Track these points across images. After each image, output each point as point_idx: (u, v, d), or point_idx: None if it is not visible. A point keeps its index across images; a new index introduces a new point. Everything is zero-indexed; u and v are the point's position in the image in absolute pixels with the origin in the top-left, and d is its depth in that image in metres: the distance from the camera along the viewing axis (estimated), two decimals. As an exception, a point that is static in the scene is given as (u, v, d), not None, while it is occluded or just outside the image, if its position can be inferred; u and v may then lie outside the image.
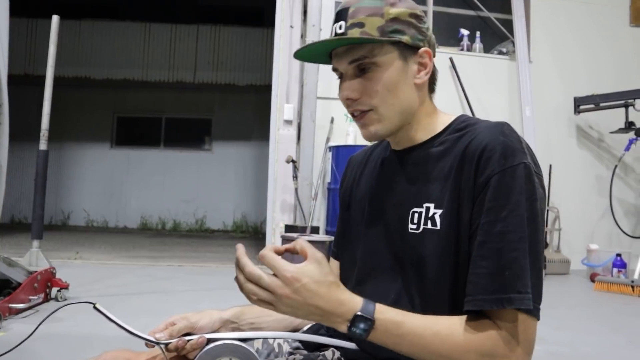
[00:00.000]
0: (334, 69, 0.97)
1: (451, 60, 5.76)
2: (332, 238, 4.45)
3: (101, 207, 10.76)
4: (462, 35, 5.95)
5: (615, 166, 5.54)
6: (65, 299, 3.13)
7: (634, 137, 5.35)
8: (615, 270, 4.66)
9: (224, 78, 10.59)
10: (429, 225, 0.89)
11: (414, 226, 0.91)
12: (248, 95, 10.64)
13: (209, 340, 0.90)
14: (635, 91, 5.39)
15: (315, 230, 4.86)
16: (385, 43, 0.91)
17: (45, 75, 3.74)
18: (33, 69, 9.93)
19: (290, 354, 1.05)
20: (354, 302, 0.82)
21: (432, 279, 0.88)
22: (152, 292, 3.78)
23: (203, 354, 0.89)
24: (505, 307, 0.80)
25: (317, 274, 0.81)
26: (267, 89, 6.96)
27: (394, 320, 0.82)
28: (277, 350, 1.08)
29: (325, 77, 5.27)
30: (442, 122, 0.98)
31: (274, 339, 1.09)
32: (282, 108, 5.48)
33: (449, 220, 0.87)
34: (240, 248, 0.86)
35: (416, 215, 0.91)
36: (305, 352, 1.05)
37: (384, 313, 0.82)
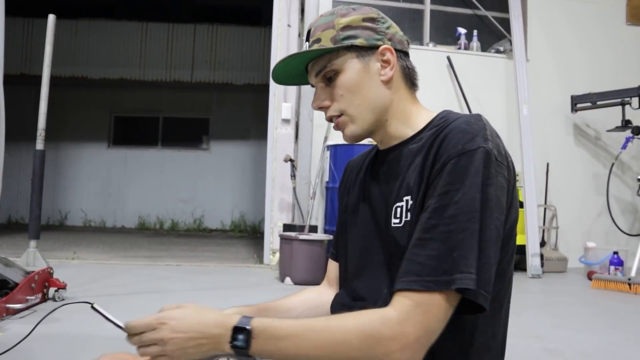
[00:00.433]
0: (312, 86, 1.04)
1: (448, 59, 5.76)
2: (330, 237, 4.45)
3: (99, 207, 10.74)
4: (460, 34, 5.95)
5: (612, 164, 5.55)
6: (63, 299, 3.12)
7: (631, 135, 5.36)
8: (612, 268, 4.67)
9: (221, 77, 10.57)
10: (408, 217, 0.91)
11: (397, 220, 0.93)
12: (246, 94, 10.64)
13: None
14: (632, 89, 5.41)
15: (313, 229, 4.86)
16: (341, 50, 0.97)
17: (42, 75, 3.73)
18: (29, 68, 9.91)
19: None
20: (232, 319, 0.84)
21: None
22: (150, 291, 3.78)
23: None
24: (450, 288, 0.79)
25: (179, 310, 0.86)
26: (264, 88, 6.96)
27: (271, 325, 0.83)
28: None
29: (322, 76, 5.26)
30: (424, 119, 1.00)
31: None
32: (279, 107, 5.48)
33: (418, 209, 0.89)
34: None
35: (399, 209, 0.93)
36: None
37: (260, 321, 0.83)
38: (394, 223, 0.94)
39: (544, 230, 5.77)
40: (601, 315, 3.51)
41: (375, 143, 1.09)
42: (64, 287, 3.16)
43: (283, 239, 4.42)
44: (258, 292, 3.90)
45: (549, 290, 4.51)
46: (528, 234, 5.15)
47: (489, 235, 0.83)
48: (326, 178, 5.20)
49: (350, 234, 1.11)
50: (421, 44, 5.97)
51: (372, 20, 1.00)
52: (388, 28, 1.01)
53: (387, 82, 0.99)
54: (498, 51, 6.05)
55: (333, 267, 1.22)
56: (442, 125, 0.92)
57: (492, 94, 5.91)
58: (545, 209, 5.87)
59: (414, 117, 1.01)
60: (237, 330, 0.82)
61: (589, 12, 6.26)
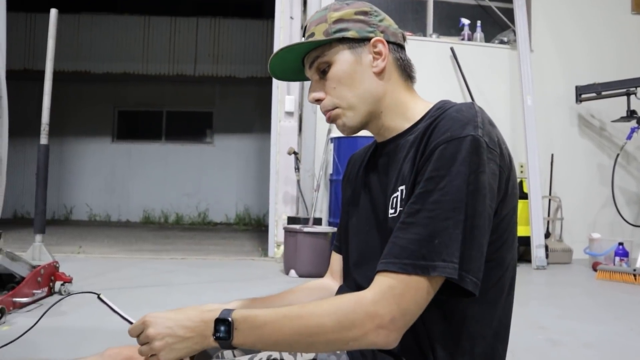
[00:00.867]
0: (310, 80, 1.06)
1: (452, 50, 5.74)
2: (335, 229, 4.45)
3: (103, 202, 10.78)
4: (463, 25, 5.92)
5: (617, 155, 5.53)
6: (69, 293, 3.14)
7: (636, 125, 5.34)
8: (617, 259, 4.66)
9: (224, 70, 10.56)
10: (402, 207, 0.91)
11: (393, 210, 0.94)
12: (249, 87, 10.62)
13: None
14: (637, 79, 5.37)
15: (317, 221, 4.87)
16: (333, 42, 0.99)
17: (45, 70, 3.73)
18: (33, 63, 9.91)
19: None
20: (214, 313, 0.86)
21: None
22: (155, 285, 3.79)
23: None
24: (429, 275, 0.80)
25: (163, 311, 0.90)
26: (267, 80, 6.95)
27: (250, 314, 0.85)
28: None
29: (325, 68, 5.25)
30: (420, 110, 1.01)
31: None
32: (283, 100, 5.47)
33: (407, 197, 0.90)
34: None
35: (395, 200, 0.94)
36: None
37: (241, 312, 0.85)
38: (391, 214, 0.95)
39: (548, 222, 5.76)
40: (606, 306, 3.50)
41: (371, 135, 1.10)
42: (70, 281, 3.18)
43: (287, 231, 4.43)
44: (263, 285, 3.91)
45: (553, 282, 4.51)
46: (533, 226, 5.14)
47: (481, 222, 0.83)
48: (330, 170, 5.20)
49: (351, 225, 1.13)
50: (424, 35, 5.95)
51: (365, 13, 1.01)
52: (381, 21, 1.02)
53: (380, 74, 1.00)
54: (502, 42, 6.02)
55: (336, 259, 1.23)
56: (437, 115, 0.92)
57: (495, 85, 5.89)
58: (549, 200, 5.85)
59: (410, 108, 1.02)
60: (219, 322, 0.84)
61: (593, 2, 6.21)
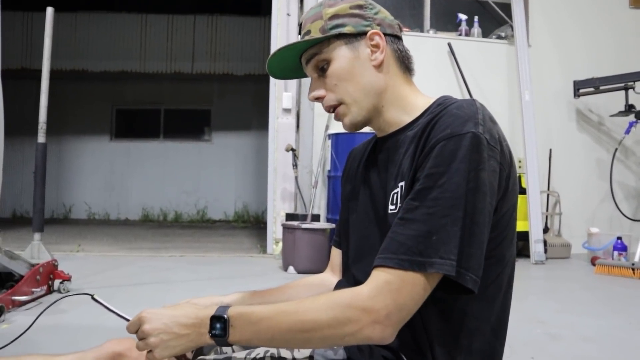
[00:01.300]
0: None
1: (449, 45, 5.73)
2: (333, 226, 4.46)
3: (102, 200, 10.77)
4: (460, 20, 5.92)
5: (616, 149, 5.53)
6: (68, 291, 3.14)
7: (634, 120, 5.33)
8: (615, 253, 4.67)
9: (222, 68, 10.55)
10: (402, 203, 0.91)
11: (393, 207, 0.94)
12: (246, 84, 10.61)
13: None
14: (635, 73, 5.37)
15: (315, 218, 4.87)
16: (330, 39, 0.99)
17: (42, 69, 3.73)
18: (30, 62, 9.89)
19: None
20: (210, 310, 0.86)
21: None
22: (154, 282, 3.80)
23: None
24: (426, 271, 0.80)
25: (159, 308, 0.89)
26: (265, 78, 6.94)
27: (246, 311, 0.85)
28: None
29: (323, 65, 5.24)
30: (421, 105, 1.00)
31: None
32: (280, 97, 5.47)
33: (406, 193, 0.89)
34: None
35: (395, 196, 0.94)
36: None
37: (236, 309, 0.85)
38: (391, 209, 0.94)
39: (547, 217, 5.77)
40: (604, 300, 3.51)
41: (374, 131, 1.09)
42: (68, 279, 3.18)
43: (286, 228, 4.43)
44: (261, 282, 3.91)
45: (552, 276, 4.52)
46: (531, 220, 5.14)
47: (481, 220, 0.83)
48: (328, 167, 5.20)
49: (351, 221, 1.13)
50: (422, 30, 5.94)
51: (360, 7, 1.01)
52: (376, 13, 1.02)
53: (379, 66, 0.99)
54: (499, 37, 6.02)
55: (336, 254, 1.24)
56: (438, 111, 0.92)
57: (493, 80, 5.88)
58: (548, 195, 5.86)
59: (411, 102, 1.01)
60: (215, 319, 0.84)
61: (591, -4, 6.21)
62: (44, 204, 3.78)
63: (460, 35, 5.91)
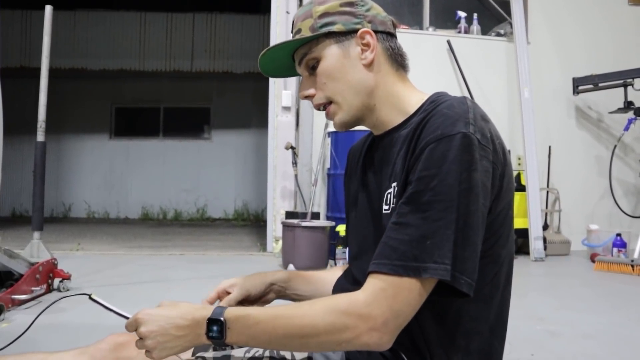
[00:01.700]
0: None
1: (449, 43, 5.73)
2: (333, 224, 4.46)
3: (102, 199, 10.77)
4: (460, 18, 5.91)
5: (615, 146, 5.53)
6: (68, 290, 3.14)
7: (633, 116, 5.33)
8: (615, 250, 4.67)
9: (221, 66, 10.54)
10: (394, 204, 0.90)
11: (387, 207, 0.93)
12: (246, 82, 10.60)
13: None
14: (634, 70, 5.36)
15: (315, 216, 4.87)
16: (320, 37, 0.97)
17: (41, 67, 3.72)
18: (29, 61, 9.87)
19: None
20: (207, 311, 0.86)
21: None
22: (154, 281, 3.80)
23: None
24: (421, 277, 0.79)
25: (155, 308, 0.88)
26: (264, 76, 6.93)
27: (242, 314, 0.84)
28: None
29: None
30: (415, 102, 0.99)
31: None
32: (280, 95, 5.47)
33: (398, 196, 0.88)
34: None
35: (389, 196, 0.93)
36: None
37: (233, 311, 0.85)
38: (385, 209, 0.94)
39: (546, 214, 5.77)
40: (604, 297, 3.52)
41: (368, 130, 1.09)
42: (68, 278, 3.18)
43: (285, 226, 4.43)
44: (262, 280, 3.91)
45: (551, 273, 4.52)
46: (531, 217, 5.14)
47: (474, 222, 0.82)
48: (327, 165, 5.20)
49: (350, 220, 1.13)
50: (421, 28, 5.93)
51: (350, 4, 0.99)
52: (368, 10, 1.00)
53: (369, 65, 0.98)
54: (499, 34, 6.01)
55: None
56: (430, 109, 0.91)
57: (493, 77, 5.88)
58: (547, 192, 5.86)
59: (405, 100, 1.00)
60: (212, 322, 0.84)
61: (590, -7, 6.20)
62: (44, 203, 3.78)
63: (459, 32, 5.90)
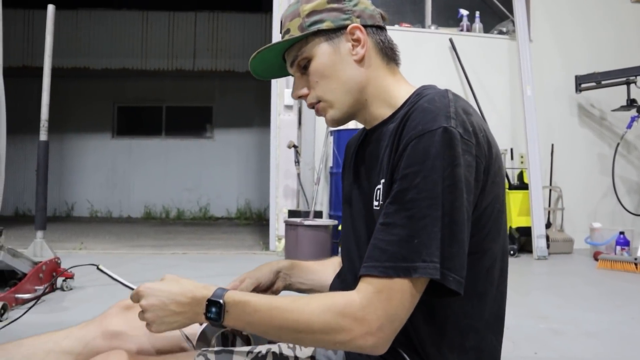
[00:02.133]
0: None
1: (451, 41, 5.72)
2: (336, 222, 4.46)
3: (104, 198, 10.79)
4: (462, 16, 5.90)
5: (618, 144, 5.52)
6: (71, 289, 3.15)
7: (636, 114, 5.33)
8: (618, 248, 4.66)
9: (223, 65, 10.54)
10: (382, 200, 0.90)
11: (376, 203, 0.92)
12: (248, 81, 10.59)
13: None
14: (636, 68, 5.35)
15: (318, 214, 4.87)
16: (309, 36, 0.96)
17: (43, 66, 3.73)
18: (31, 60, 9.90)
19: None
20: (208, 291, 0.86)
21: None
22: (156, 279, 3.79)
23: (207, 326, 0.98)
24: (411, 277, 0.78)
25: (158, 282, 0.90)
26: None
27: (242, 300, 0.84)
28: None
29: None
30: (403, 95, 0.98)
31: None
32: (282, 93, 5.46)
33: (385, 193, 0.88)
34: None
35: (378, 192, 0.92)
36: None
37: (233, 295, 0.85)
38: (375, 205, 0.93)
39: (549, 212, 5.76)
40: (607, 295, 3.51)
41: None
42: (71, 277, 3.19)
43: (288, 225, 4.43)
44: (264, 279, 3.91)
45: (554, 272, 4.52)
46: (533, 216, 5.14)
47: (460, 218, 0.81)
48: (330, 163, 5.20)
49: (345, 214, 1.12)
50: (423, 26, 5.92)
51: (338, 0, 0.98)
52: (355, 5, 0.99)
53: (361, 61, 0.97)
54: (501, 32, 6.00)
55: None
56: (414, 102, 0.90)
57: (495, 75, 5.87)
58: (550, 190, 5.85)
59: (394, 94, 0.99)
60: (211, 303, 0.85)
61: (592, -9, 6.19)
62: (47, 202, 3.78)
63: (461, 30, 5.90)
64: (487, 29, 6.01)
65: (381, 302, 0.79)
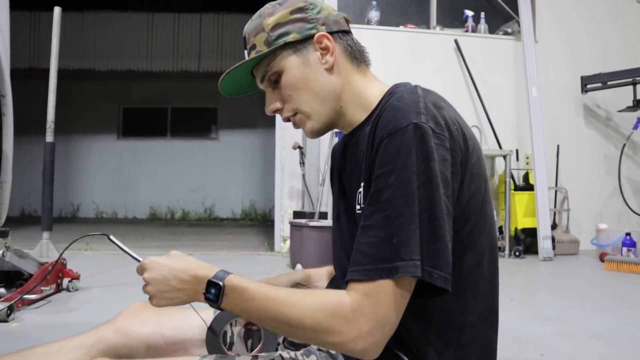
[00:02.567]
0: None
1: (456, 42, 5.71)
2: (340, 223, 4.46)
3: (110, 199, 10.83)
4: (467, 17, 5.89)
5: (624, 145, 5.50)
6: (77, 290, 3.16)
7: (643, 115, 5.30)
8: (624, 249, 4.64)
9: (228, 66, 10.21)
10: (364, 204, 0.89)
11: (359, 207, 0.92)
12: (253, 82, 10.62)
13: None
14: (643, 68, 5.34)
15: (323, 215, 4.87)
16: (277, 50, 0.95)
17: (50, 68, 3.75)
18: (38, 62, 9.95)
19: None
20: (211, 271, 0.86)
21: None
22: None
23: (214, 321, 1.01)
24: (394, 277, 0.77)
25: (163, 257, 0.90)
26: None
27: (240, 285, 0.84)
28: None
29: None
30: (376, 96, 0.97)
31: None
32: (286, 95, 5.47)
33: (366, 196, 0.87)
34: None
35: (360, 195, 0.92)
36: None
37: (233, 279, 0.84)
38: (357, 209, 0.93)
39: (555, 213, 5.74)
40: (613, 297, 3.49)
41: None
42: (77, 278, 3.20)
43: (293, 226, 4.43)
44: (269, 280, 3.91)
45: (560, 273, 4.50)
46: (539, 217, 5.12)
47: (439, 213, 0.79)
48: (335, 165, 5.20)
49: (333, 222, 1.13)
50: (428, 27, 5.92)
51: (300, 10, 0.97)
52: (319, 13, 0.98)
53: (331, 69, 0.96)
54: (506, 33, 5.99)
55: None
56: (386, 101, 0.90)
57: (500, 76, 5.86)
58: (556, 191, 5.83)
59: (368, 96, 0.98)
60: (211, 284, 0.84)
61: (598, -9, 6.17)
62: (53, 203, 3.80)
63: (466, 31, 5.89)
64: (492, 30, 6.00)
65: (370, 306, 0.78)
